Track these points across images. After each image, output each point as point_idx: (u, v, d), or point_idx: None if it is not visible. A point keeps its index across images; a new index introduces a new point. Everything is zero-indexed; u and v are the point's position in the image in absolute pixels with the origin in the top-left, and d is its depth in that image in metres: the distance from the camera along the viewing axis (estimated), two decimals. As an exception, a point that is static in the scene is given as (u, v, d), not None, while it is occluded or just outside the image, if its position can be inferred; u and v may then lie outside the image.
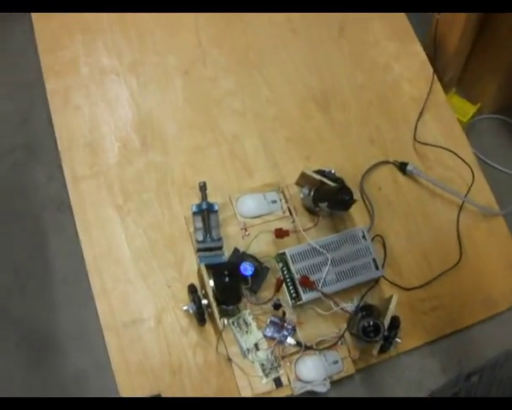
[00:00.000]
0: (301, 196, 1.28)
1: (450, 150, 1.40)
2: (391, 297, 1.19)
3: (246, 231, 1.25)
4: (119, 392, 1.12)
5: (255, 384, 1.16)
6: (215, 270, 1.15)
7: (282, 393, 1.17)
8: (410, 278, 1.30)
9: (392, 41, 1.54)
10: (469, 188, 1.37)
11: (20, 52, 1.66)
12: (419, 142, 1.41)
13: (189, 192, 1.27)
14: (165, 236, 1.24)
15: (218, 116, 1.36)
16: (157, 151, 1.30)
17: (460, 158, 1.39)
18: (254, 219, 1.27)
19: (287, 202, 1.30)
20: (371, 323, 1.13)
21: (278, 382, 1.17)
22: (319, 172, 1.26)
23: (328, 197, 1.20)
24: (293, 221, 1.27)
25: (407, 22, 1.56)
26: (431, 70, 1.51)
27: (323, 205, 1.20)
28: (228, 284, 1.13)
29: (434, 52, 1.56)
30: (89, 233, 1.22)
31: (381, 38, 1.54)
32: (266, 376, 1.16)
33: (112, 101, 1.34)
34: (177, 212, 1.26)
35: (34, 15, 1.41)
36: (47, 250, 1.40)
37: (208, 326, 1.18)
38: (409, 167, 1.37)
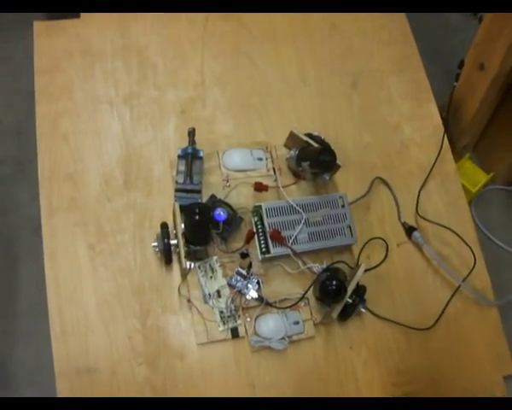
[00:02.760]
0: (287, 156, 1.29)
1: (452, 230, 1.32)
2: (359, 265, 1.18)
3: (227, 182, 1.27)
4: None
5: (211, 332, 1.16)
6: (187, 208, 1.14)
7: (238, 345, 1.17)
8: (385, 357, 1.23)
9: (407, 100, 1.46)
10: (469, 273, 1.29)
11: (24, 60, 1.63)
12: (420, 215, 1.33)
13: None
14: (133, 283, 1.18)
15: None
16: (139, 191, 1.25)
17: (462, 240, 1.31)
18: (238, 172, 1.28)
19: (272, 161, 1.31)
20: (334, 283, 1.13)
21: (235, 332, 1.17)
22: (308, 135, 1.27)
23: (311, 157, 1.20)
24: (276, 180, 1.28)
25: (426, 81, 1.49)
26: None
27: (305, 164, 1.20)
28: (197, 223, 1.12)
29: (447, 116, 1.48)
30: (56, 270, 1.17)
31: (395, 94, 1.46)
32: (224, 323, 1.17)
33: (101, 132, 1.29)
34: (150, 259, 1.20)
35: (36, 30, 1.37)
36: (16, 275, 1.36)
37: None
38: (415, 234, 1.30)
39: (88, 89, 1.32)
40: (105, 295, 1.17)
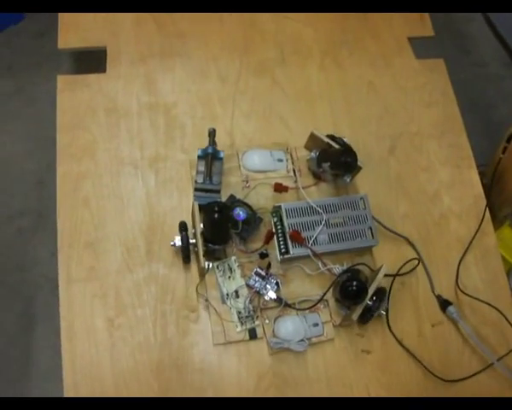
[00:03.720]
0: (308, 157, 1.29)
1: (492, 306, 1.24)
2: (380, 267, 1.15)
3: (247, 182, 1.26)
4: None
5: (229, 332, 1.14)
6: (206, 206, 1.14)
7: (257, 346, 1.15)
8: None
9: (447, 166, 1.39)
10: (507, 353, 1.21)
11: (48, 103, 1.58)
12: (460, 289, 1.26)
13: (188, 315, 1.14)
14: (152, 361, 1.11)
15: (234, 230, 1.22)
16: (162, 263, 1.18)
17: (502, 315, 1.24)
18: (257, 173, 1.28)
19: (293, 163, 1.31)
20: (354, 284, 1.11)
21: (253, 333, 1.15)
22: (330, 136, 1.26)
23: (332, 158, 1.20)
24: (296, 181, 1.28)
25: (468, 146, 1.42)
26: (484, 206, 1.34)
27: (326, 166, 1.20)
28: (216, 222, 1.12)
29: (490, 185, 1.40)
30: (73, 342, 1.11)
31: (435, 160, 1.39)
32: (241, 324, 1.15)
33: (124, 197, 1.22)
34: (172, 336, 1.13)
35: (60, 84, 1.31)
36: (33, 337, 1.30)
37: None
38: (450, 308, 1.22)
39: (112, 149, 1.27)
40: (122, 371, 1.10)
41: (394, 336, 1.19)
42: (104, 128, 1.29)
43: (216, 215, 1.11)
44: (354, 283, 1.11)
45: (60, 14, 1.43)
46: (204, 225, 1.12)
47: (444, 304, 1.24)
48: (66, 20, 1.43)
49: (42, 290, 1.32)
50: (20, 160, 1.55)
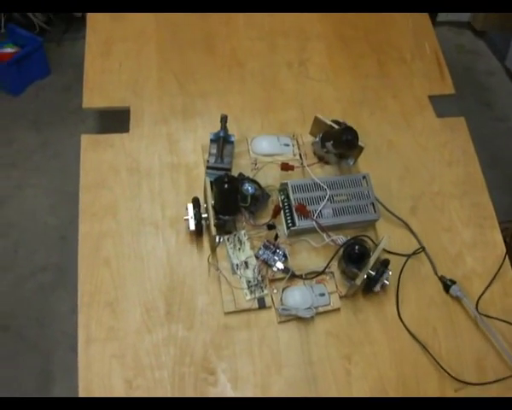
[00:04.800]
0: (312, 141, 1.36)
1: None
2: (382, 238, 1.22)
3: (256, 164, 1.33)
4: None
5: (239, 300, 1.19)
6: (216, 180, 1.20)
7: (266, 314, 1.20)
8: None
9: (469, 226, 1.37)
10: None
11: (72, 158, 1.61)
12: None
13: (206, 377, 1.13)
14: (170, 425, 1.09)
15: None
16: (181, 324, 1.17)
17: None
18: (265, 156, 1.35)
19: (299, 148, 1.37)
20: (356, 247, 1.19)
21: (262, 302, 1.20)
22: (333, 121, 1.32)
23: (334, 137, 1.27)
24: (302, 163, 1.34)
25: (490, 205, 1.41)
26: (508, 268, 1.32)
27: (329, 144, 1.28)
28: (226, 192, 1.18)
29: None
30: (90, 404, 1.10)
31: (456, 220, 1.37)
32: (251, 292, 1.19)
33: (144, 257, 1.23)
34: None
35: (83, 144, 1.34)
36: (49, 395, 1.29)
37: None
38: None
39: (133, 209, 1.28)
40: (140, 434, 1.08)
41: (401, 319, 1.20)
42: (126, 187, 1.30)
43: (226, 185, 1.18)
44: (356, 247, 1.19)
45: (84, 73, 1.47)
46: (214, 198, 1.20)
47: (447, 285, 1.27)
48: (90, 79, 1.47)
49: (60, 346, 1.32)
50: (43, 214, 1.56)
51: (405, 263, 1.27)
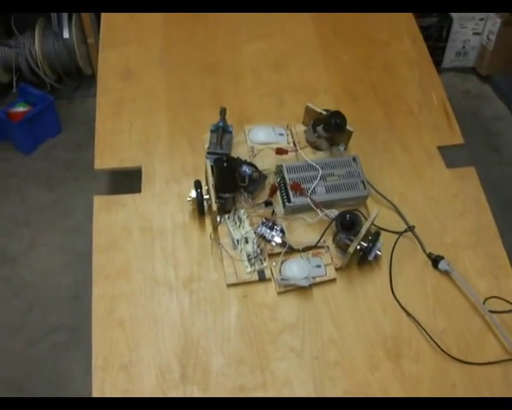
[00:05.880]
0: (305, 129, 1.51)
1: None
2: (373, 212, 1.30)
3: (253, 152, 1.46)
4: None
5: (240, 273, 1.27)
6: (216, 160, 1.32)
7: (266, 286, 1.28)
8: None
9: (484, 277, 1.35)
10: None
11: (85, 217, 1.62)
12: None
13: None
14: None
15: (271, 354, 1.20)
16: (196, 386, 1.16)
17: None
18: (261, 145, 1.48)
19: (292, 137, 1.51)
20: (348, 215, 1.29)
21: (262, 274, 1.28)
22: (324, 109, 1.46)
23: (324, 121, 1.40)
24: (296, 150, 1.47)
25: (504, 255, 1.39)
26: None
27: (320, 128, 1.41)
28: (225, 170, 1.31)
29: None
30: None
31: (471, 271, 1.35)
32: (251, 265, 1.27)
33: (158, 318, 1.22)
34: None
35: (96, 205, 1.35)
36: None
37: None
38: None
39: (147, 270, 1.28)
40: None
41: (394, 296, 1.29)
42: (139, 248, 1.31)
43: (224, 164, 1.30)
44: (348, 215, 1.29)
45: (96, 134, 1.49)
46: (215, 177, 1.30)
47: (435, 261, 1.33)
48: (101, 139, 1.49)
49: (74, 411, 1.31)
50: (56, 274, 1.56)
51: (397, 240, 1.34)
